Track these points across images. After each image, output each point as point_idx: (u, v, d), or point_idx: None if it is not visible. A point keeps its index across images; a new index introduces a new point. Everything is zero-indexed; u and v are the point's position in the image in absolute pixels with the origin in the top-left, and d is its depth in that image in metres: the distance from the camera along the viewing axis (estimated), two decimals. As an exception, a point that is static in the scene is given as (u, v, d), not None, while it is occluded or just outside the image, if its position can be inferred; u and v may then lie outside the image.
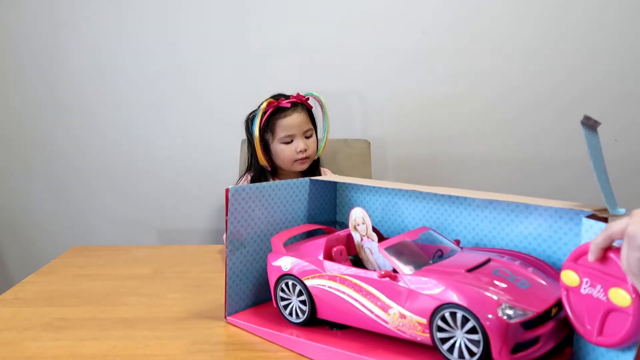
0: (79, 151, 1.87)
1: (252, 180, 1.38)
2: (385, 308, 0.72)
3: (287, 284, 0.83)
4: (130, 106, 1.85)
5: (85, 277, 1.11)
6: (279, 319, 0.85)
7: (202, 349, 0.79)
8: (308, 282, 0.80)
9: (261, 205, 0.90)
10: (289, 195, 0.94)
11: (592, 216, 0.66)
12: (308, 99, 1.38)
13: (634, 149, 1.85)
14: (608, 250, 0.59)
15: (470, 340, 0.65)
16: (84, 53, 1.82)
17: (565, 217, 0.74)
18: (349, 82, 1.83)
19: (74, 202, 1.90)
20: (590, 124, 0.63)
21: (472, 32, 1.80)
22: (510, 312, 0.63)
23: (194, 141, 1.86)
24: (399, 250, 0.75)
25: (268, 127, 1.34)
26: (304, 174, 1.38)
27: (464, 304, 0.64)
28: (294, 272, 0.82)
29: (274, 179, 1.39)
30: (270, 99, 1.34)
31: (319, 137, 1.42)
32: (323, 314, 0.80)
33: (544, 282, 0.71)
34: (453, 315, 0.66)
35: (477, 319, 0.63)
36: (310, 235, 0.96)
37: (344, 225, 1.00)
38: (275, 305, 0.86)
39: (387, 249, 0.75)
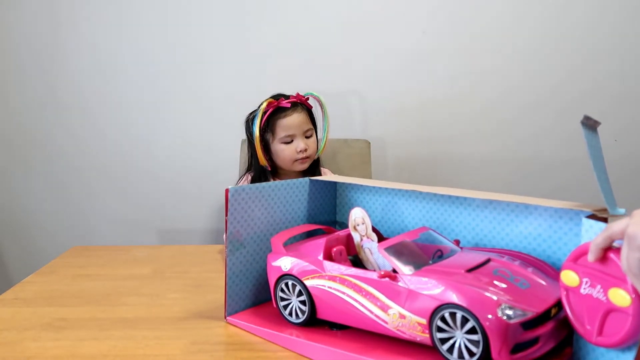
0: (79, 151, 1.87)
1: (253, 180, 1.39)
2: (384, 308, 0.72)
3: (287, 284, 0.83)
4: (130, 106, 1.85)
5: (85, 277, 1.11)
6: (279, 319, 0.85)
7: (202, 349, 0.79)
8: (308, 282, 0.80)
9: (261, 205, 0.90)
10: (289, 195, 0.94)
11: (592, 216, 0.66)
12: (308, 98, 1.38)
13: (634, 149, 1.85)
14: (608, 251, 0.59)
15: (469, 341, 0.65)
16: (84, 53, 1.82)
17: (565, 217, 0.74)
18: (349, 82, 1.83)
19: (74, 202, 1.90)
20: (590, 124, 0.63)
21: (472, 32, 1.80)
22: (509, 312, 0.63)
23: (194, 141, 1.86)
24: (398, 251, 0.75)
25: (268, 127, 1.34)
26: (304, 174, 1.38)
27: (464, 304, 0.64)
28: (294, 272, 0.82)
29: (274, 179, 1.39)
30: (270, 99, 1.34)
31: (319, 137, 1.42)
32: (323, 314, 0.80)
33: (543, 282, 0.71)
34: (453, 315, 0.66)
35: (476, 319, 0.63)
36: (310, 235, 0.96)
37: (344, 225, 1.00)
38: (275, 305, 0.86)
39: (387, 249, 0.75)
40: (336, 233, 0.87)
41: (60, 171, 1.88)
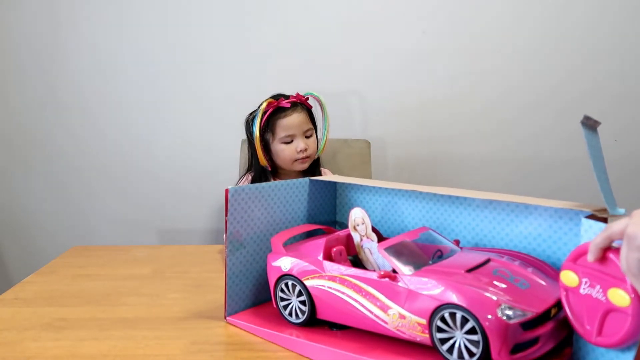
0: (79, 151, 1.87)
1: (253, 181, 1.39)
2: (384, 308, 0.72)
3: (286, 284, 0.83)
4: (130, 106, 1.85)
5: (85, 277, 1.11)
6: (279, 319, 0.85)
7: (202, 349, 0.79)
8: (308, 283, 0.80)
9: (261, 205, 0.90)
10: (289, 195, 0.94)
11: (591, 216, 0.66)
12: (308, 98, 1.38)
13: (634, 149, 1.85)
14: (607, 251, 0.59)
15: (469, 341, 0.65)
16: (84, 53, 1.82)
17: (565, 217, 0.74)
18: (349, 82, 1.83)
19: (74, 202, 1.90)
20: (590, 124, 0.63)
21: (472, 32, 1.80)
22: (509, 312, 0.63)
23: (194, 141, 1.86)
24: (398, 251, 0.75)
25: (268, 127, 1.34)
26: (304, 174, 1.38)
27: (464, 305, 0.64)
28: (294, 273, 0.82)
29: (274, 179, 1.39)
30: (270, 99, 1.34)
31: (319, 137, 1.42)
32: (323, 314, 0.80)
33: (543, 283, 0.71)
34: (452, 315, 0.66)
35: (476, 319, 0.63)
36: (310, 235, 0.96)
37: (344, 225, 1.00)
38: (275, 305, 0.86)
39: (387, 249, 0.75)
40: (336, 233, 0.87)
41: (60, 171, 1.88)
